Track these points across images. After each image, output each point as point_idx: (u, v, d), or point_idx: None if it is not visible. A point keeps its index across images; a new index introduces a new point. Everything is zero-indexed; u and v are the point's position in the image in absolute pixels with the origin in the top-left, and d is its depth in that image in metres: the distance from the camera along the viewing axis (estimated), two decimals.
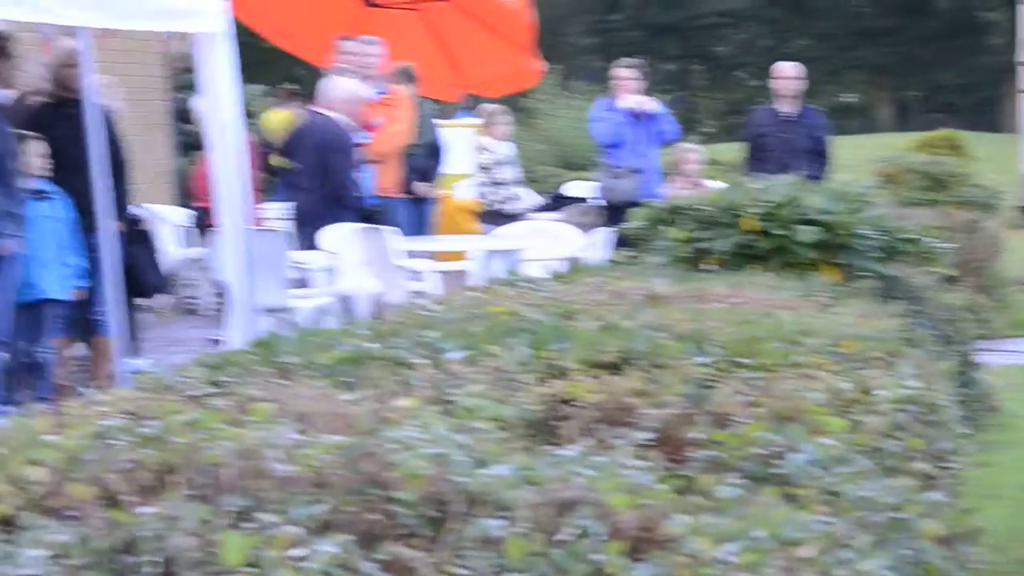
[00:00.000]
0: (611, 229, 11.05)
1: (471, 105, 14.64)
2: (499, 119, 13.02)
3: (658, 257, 6.42)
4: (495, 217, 12.39)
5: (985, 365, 8.10)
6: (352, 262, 10.39)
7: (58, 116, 8.27)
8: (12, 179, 7.63)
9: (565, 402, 3.29)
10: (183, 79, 17.12)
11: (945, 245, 7.03)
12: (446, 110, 15.07)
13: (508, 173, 12.84)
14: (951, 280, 8.05)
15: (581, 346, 3.70)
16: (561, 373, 3.52)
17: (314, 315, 9.46)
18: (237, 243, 8.52)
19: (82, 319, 8.63)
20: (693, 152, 12.91)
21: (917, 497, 2.89)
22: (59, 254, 8.09)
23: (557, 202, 13.38)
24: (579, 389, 3.32)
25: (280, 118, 17.21)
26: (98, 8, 7.38)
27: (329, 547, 2.30)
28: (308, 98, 12.40)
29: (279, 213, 11.03)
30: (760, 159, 11.98)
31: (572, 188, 15.20)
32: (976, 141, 20.30)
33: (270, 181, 13.16)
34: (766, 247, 6.37)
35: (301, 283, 10.37)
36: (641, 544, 2.44)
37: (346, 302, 10.21)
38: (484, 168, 12.70)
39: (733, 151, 15.93)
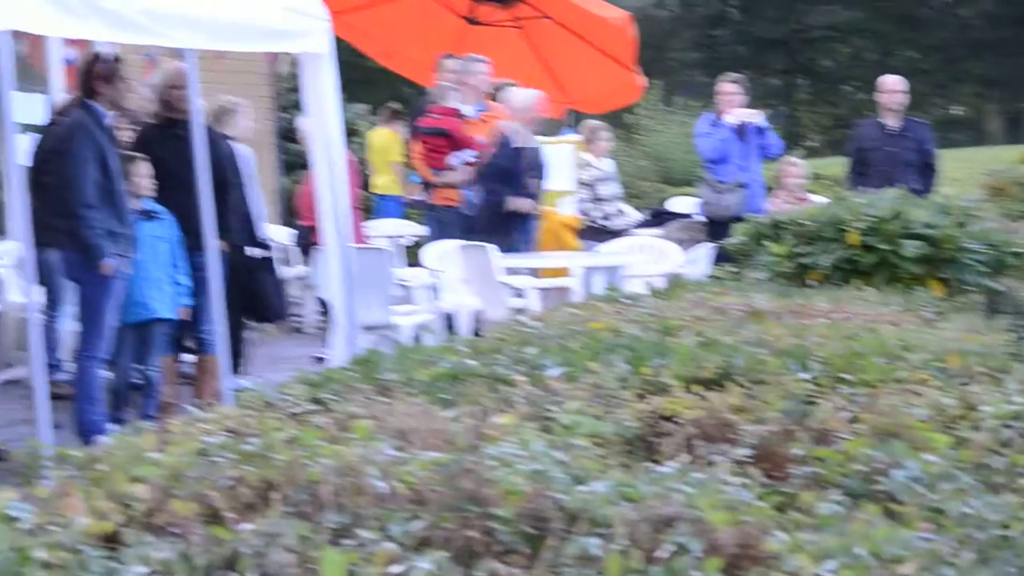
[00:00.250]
0: (713, 245, 11.00)
1: (572, 122, 14.66)
2: (601, 135, 13.01)
3: (760, 272, 6.38)
4: (596, 233, 12.38)
5: None
6: (454, 279, 10.43)
7: (165, 137, 8.39)
8: (119, 200, 7.74)
9: (664, 418, 3.27)
10: (288, 99, 17.31)
11: None
12: (549, 127, 15.10)
13: (609, 189, 12.82)
14: None
15: (680, 362, 3.69)
16: (660, 389, 3.51)
17: (415, 332, 9.51)
18: (340, 261, 8.59)
19: (188, 338, 8.75)
20: (796, 166, 12.81)
21: (1022, 514, 2.84)
22: (166, 273, 8.20)
23: (658, 218, 13.33)
24: (678, 405, 3.31)
25: (382, 137, 17.35)
26: (206, 30, 7.47)
27: (427, 564, 2.30)
28: (411, 117, 12.50)
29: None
30: (865, 173, 11.85)
31: (674, 204, 15.15)
32: None
33: (370, 199, 13.28)
34: (870, 262, 6.31)
35: (405, 300, 10.44)
36: (740, 561, 2.42)
37: (448, 319, 10.26)
38: (585, 184, 12.70)
39: (837, 165, 15.79)
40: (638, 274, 10.44)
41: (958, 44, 39.87)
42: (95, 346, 7.75)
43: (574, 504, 2.50)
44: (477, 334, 8.23)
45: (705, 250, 11.31)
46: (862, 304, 5.14)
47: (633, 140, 22.36)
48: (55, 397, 7.20)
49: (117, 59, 7.92)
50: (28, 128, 8.97)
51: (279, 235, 13.93)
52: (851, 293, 5.56)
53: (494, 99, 11.65)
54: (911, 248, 6.26)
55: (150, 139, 8.45)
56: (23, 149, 7.70)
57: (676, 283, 5.96)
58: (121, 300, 7.82)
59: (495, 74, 11.81)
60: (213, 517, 2.54)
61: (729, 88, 12.35)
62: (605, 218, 12.67)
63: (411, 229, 14.06)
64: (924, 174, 12.06)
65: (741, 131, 12.05)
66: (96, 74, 7.81)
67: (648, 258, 11.09)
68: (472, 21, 14.03)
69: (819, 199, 10.94)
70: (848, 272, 6.29)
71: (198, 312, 8.38)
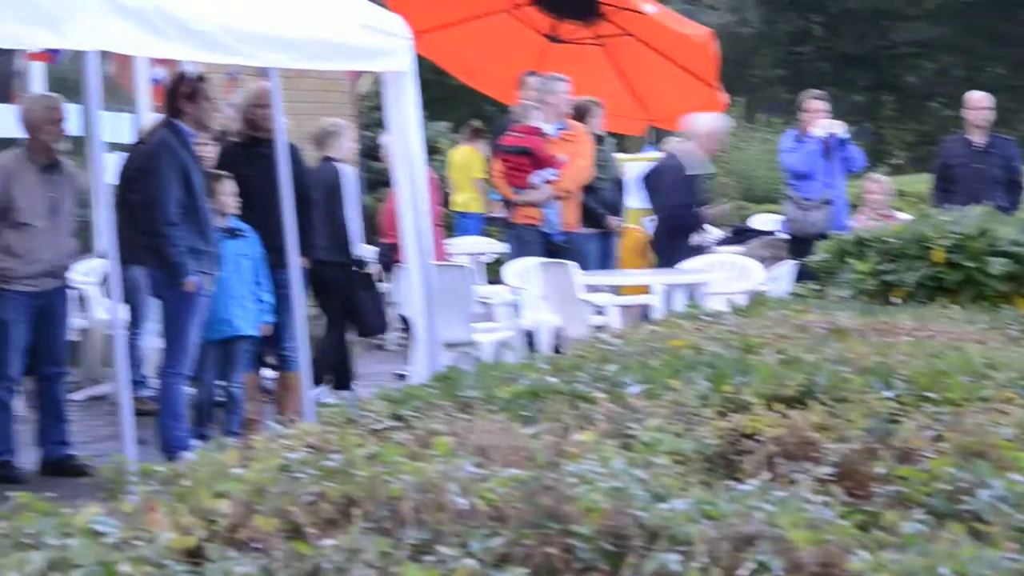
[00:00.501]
0: (795, 262, 10.94)
1: (654, 139, 14.64)
2: None
3: (843, 290, 6.34)
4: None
5: None
6: (535, 296, 10.45)
7: (249, 155, 8.47)
8: (203, 218, 7.82)
9: (745, 436, 3.26)
10: (370, 117, 17.43)
11: None
12: (632, 144, 15.10)
13: None
14: None
15: (762, 380, 3.67)
16: (741, 407, 3.49)
17: (496, 349, 9.54)
18: (421, 278, 8.63)
19: (270, 354, 8.82)
20: (880, 183, 12.71)
21: None
22: (249, 291, 8.27)
23: (740, 235, 13.28)
24: (759, 423, 3.29)
25: (463, 154, 17.42)
26: (289, 49, 7.54)
27: None
28: (493, 136, 12.55)
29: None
30: (950, 190, 11.75)
31: (756, 221, 15.08)
32: None
33: (450, 217, 13.34)
34: (955, 279, 6.25)
35: (486, 317, 10.47)
36: None
37: (528, 336, 10.27)
38: None
39: (922, 182, 15.64)
40: (719, 291, 10.39)
41: None
42: (179, 362, 7.83)
43: (654, 521, 2.49)
44: (557, 351, 8.24)
45: (787, 267, 11.25)
46: (947, 322, 5.09)
47: (715, 157, 22.27)
48: (140, 413, 7.28)
49: (201, 78, 8.01)
50: (115, 147, 9.10)
51: (362, 252, 14.03)
52: (936, 311, 5.51)
53: (576, 118, 11.67)
54: (997, 266, 6.19)
55: (234, 157, 8.54)
56: (111, 168, 7.81)
57: (758, 300, 5.93)
58: (204, 317, 7.90)
59: (577, 92, 11.83)
60: (295, 532, 2.56)
61: (815, 105, 12.29)
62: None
63: (492, 246, 14.10)
64: (1010, 191, 11.94)
65: (827, 146, 11.98)
66: (181, 93, 7.90)
67: (729, 275, 11.04)
68: (554, 39, 14.05)
69: (904, 216, 10.85)
70: (933, 290, 6.23)
71: (280, 329, 8.45)
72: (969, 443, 3.20)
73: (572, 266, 10.65)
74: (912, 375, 3.78)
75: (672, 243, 11.36)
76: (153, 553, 2.42)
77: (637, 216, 12.51)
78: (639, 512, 2.52)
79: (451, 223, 14.93)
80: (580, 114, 11.74)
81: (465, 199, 17.04)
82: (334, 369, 9.65)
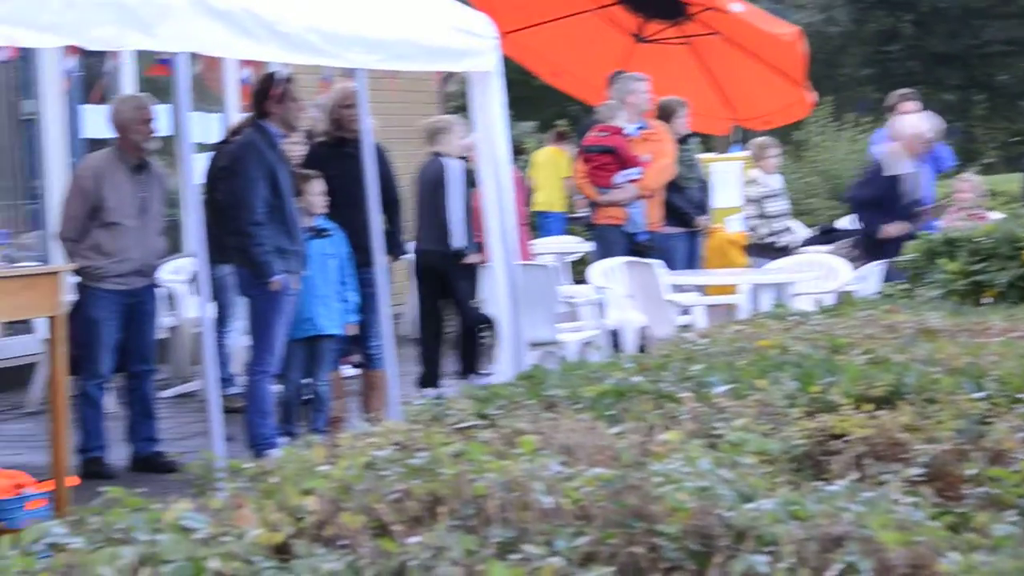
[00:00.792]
0: (884, 262, 10.84)
1: (740, 138, 14.56)
2: (769, 152, 12.91)
3: (932, 290, 6.27)
4: (764, 250, 12.28)
5: None
6: (620, 296, 10.43)
7: (336, 155, 8.52)
8: (289, 218, 7.88)
9: (833, 437, 3.23)
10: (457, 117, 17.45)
11: None
12: (719, 143, 15.03)
13: (778, 206, 12.71)
14: None
15: (850, 380, 3.64)
16: (829, 407, 3.46)
17: (581, 348, 9.53)
18: (506, 278, 8.63)
19: (357, 353, 8.87)
20: (970, 183, 12.58)
21: None
22: (336, 290, 8.31)
23: (828, 235, 13.18)
24: (848, 424, 3.26)
25: (547, 155, 17.43)
26: (377, 50, 7.57)
27: None
28: (579, 136, 12.54)
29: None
30: None
31: (844, 221, 14.96)
32: None
33: (533, 216, 13.36)
34: None
35: (571, 316, 10.46)
36: None
37: (614, 335, 10.25)
38: (753, 201, 12.61)
39: (1014, 181, 15.46)
40: (806, 291, 10.32)
41: None
42: (265, 360, 7.89)
43: (741, 521, 2.48)
44: (642, 351, 8.22)
45: (875, 267, 11.15)
46: None
47: (802, 157, 22.13)
48: (227, 410, 7.35)
49: (289, 79, 8.06)
50: (204, 147, 9.19)
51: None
52: None
53: (661, 117, 11.64)
54: None
55: (321, 157, 8.59)
56: (199, 168, 7.88)
57: (846, 300, 5.88)
58: (291, 316, 7.95)
59: (663, 91, 11.79)
60: (381, 530, 2.57)
61: (907, 106, 12.19)
62: (773, 235, 12.57)
63: (576, 246, 14.08)
64: None
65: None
66: (268, 94, 7.96)
67: (817, 275, 10.96)
68: (640, 39, 14.01)
69: (995, 216, 10.72)
70: None
71: (366, 328, 8.49)
72: None
73: (657, 265, 10.62)
74: (1004, 376, 3.73)
75: (875, 242, 11.13)
76: (241, 549, 2.44)
77: (723, 215, 12.45)
78: (725, 512, 2.50)
79: (534, 223, 14.93)
80: (665, 113, 11.70)
81: (547, 198, 17.04)
82: (424, 366, 9.88)
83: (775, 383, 3.66)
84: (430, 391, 9.53)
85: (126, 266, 7.98)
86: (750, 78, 13.93)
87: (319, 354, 8.30)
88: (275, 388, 8.11)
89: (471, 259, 9.68)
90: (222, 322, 9.31)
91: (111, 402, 8.66)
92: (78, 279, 7.96)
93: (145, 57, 10.60)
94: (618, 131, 11.31)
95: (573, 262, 13.91)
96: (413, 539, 2.45)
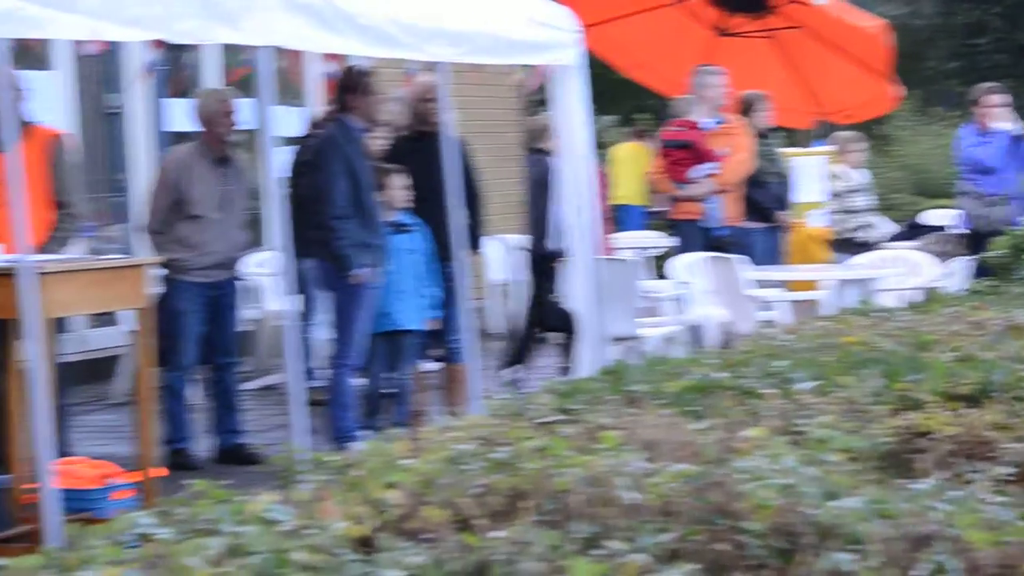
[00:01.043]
0: (971, 258, 10.72)
1: (824, 132, 14.44)
2: (853, 146, 12.79)
3: (1020, 286, 6.19)
4: (848, 246, 12.16)
5: None
6: (702, 291, 10.38)
7: (416, 149, 8.54)
8: (370, 212, 7.90)
9: (919, 435, 3.19)
10: (536, 111, 17.46)
11: None
12: (802, 138, 14.91)
13: (862, 201, 12.59)
14: None
15: (937, 377, 3.60)
16: (915, 405, 3.43)
17: (663, 344, 9.50)
18: (587, 273, 8.62)
19: (438, 347, 8.89)
20: None
21: None
22: (416, 285, 8.32)
23: (913, 230, 13.05)
24: (934, 421, 3.23)
25: (626, 150, 17.39)
26: (458, 43, 7.58)
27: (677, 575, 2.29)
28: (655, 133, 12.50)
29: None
30: None
31: (930, 216, 14.80)
32: None
33: (613, 211, 13.32)
34: None
35: (652, 312, 10.43)
36: None
37: (695, 331, 10.21)
38: (837, 196, 12.50)
39: None
40: (891, 287, 10.22)
41: None
42: (347, 354, 7.93)
43: (826, 519, 2.46)
44: (725, 347, 8.17)
45: (963, 263, 11.02)
46: None
47: (887, 151, 21.92)
48: (310, 403, 7.39)
49: (370, 73, 8.09)
50: (286, 141, 9.24)
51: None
52: None
53: (741, 111, 11.55)
54: None
55: (402, 151, 8.61)
56: (281, 162, 7.93)
57: (932, 297, 5.81)
58: (373, 310, 7.98)
59: (746, 85, 11.71)
60: (463, 524, 2.57)
61: (996, 99, 12.03)
62: (856, 230, 12.45)
63: (657, 240, 14.03)
64: None
65: (1017, 141, 11.75)
66: (350, 88, 7.99)
67: (902, 271, 10.85)
68: (723, 32, 13.93)
69: None
70: None
71: (447, 322, 8.50)
72: None
73: (739, 260, 10.56)
74: None
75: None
76: (326, 541, 2.45)
77: (804, 210, 12.35)
78: (811, 510, 2.48)
79: (614, 217, 14.89)
80: (745, 107, 11.62)
81: (627, 193, 17.00)
82: (511, 349, 10.14)
83: (861, 380, 3.63)
84: (507, 371, 9.68)
85: (209, 259, 8.04)
86: (834, 72, 13.80)
87: (400, 349, 8.32)
88: (357, 382, 8.14)
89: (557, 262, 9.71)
90: (305, 316, 9.36)
91: (195, 394, 8.74)
92: (163, 271, 8.03)
93: (230, 57, 10.68)
94: (694, 125, 11.25)
95: (655, 257, 13.86)
96: (496, 534, 2.45)
